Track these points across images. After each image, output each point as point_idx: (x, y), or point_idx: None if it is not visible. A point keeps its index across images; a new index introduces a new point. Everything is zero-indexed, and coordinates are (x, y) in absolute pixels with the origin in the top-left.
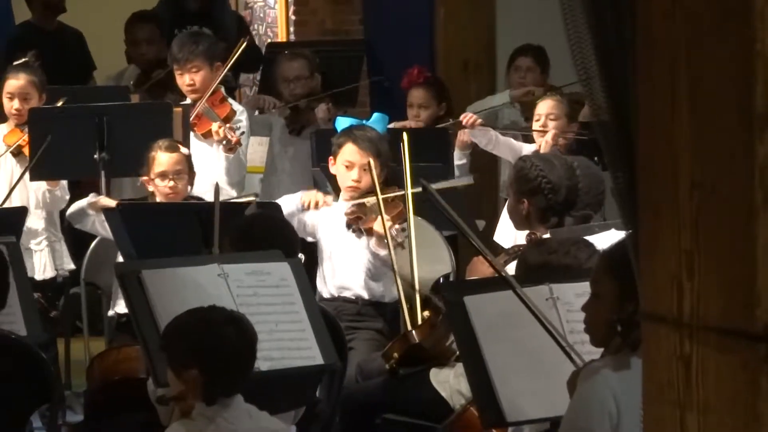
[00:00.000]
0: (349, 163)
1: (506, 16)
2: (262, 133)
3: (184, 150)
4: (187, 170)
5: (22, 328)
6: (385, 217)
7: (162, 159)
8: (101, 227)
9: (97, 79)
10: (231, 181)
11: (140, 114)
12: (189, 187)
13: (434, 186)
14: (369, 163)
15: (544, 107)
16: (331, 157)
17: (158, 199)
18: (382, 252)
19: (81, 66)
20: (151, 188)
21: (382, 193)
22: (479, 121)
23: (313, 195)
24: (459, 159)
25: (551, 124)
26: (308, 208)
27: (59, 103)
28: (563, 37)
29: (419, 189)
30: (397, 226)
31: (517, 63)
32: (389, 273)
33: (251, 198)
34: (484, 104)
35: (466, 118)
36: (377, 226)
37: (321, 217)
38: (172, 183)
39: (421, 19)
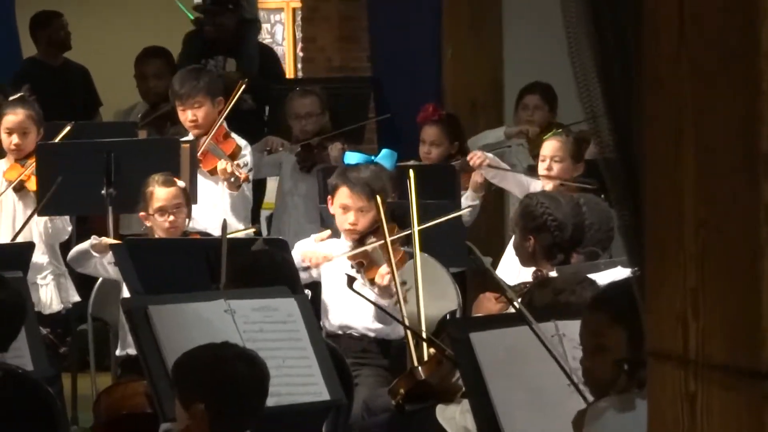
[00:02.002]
0: (344, 206)
1: (513, 54)
2: (272, 173)
3: (180, 183)
4: (185, 203)
5: (28, 362)
6: (386, 270)
7: (160, 194)
8: (102, 269)
9: (108, 114)
10: (238, 217)
11: (148, 150)
12: (187, 220)
13: (437, 220)
14: (378, 205)
15: (549, 149)
16: (329, 197)
17: (158, 235)
18: (385, 302)
19: (86, 102)
20: (149, 224)
21: (388, 231)
22: (487, 162)
23: (314, 255)
24: (472, 200)
25: (556, 167)
26: (309, 266)
27: (66, 129)
28: (571, 74)
29: (426, 225)
30: (398, 279)
31: (524, 101)
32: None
33: (251, 230)
34: (481, 140)
35: (474, 158)
36: (378, 279)
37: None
38: (172, 218)
39: (428, 56)
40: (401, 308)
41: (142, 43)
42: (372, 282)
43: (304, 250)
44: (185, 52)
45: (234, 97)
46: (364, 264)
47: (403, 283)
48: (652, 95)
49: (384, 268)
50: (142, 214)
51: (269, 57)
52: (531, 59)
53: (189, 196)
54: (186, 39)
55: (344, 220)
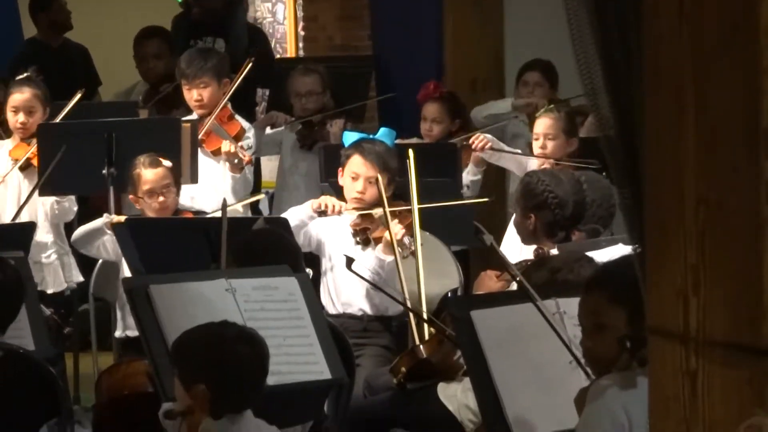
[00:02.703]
0: (355, 174)
1: (515, 31)
2: (272, 151)
3: (166, 163)
4: (173, 183)
5: (30, 342)
6: (398, 226)
7: (147, 176)
8: (104, 250)
9: (107, 95)
10: (237, 199)
11: (148, 129)
12: (176, 198)
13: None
14: (377, 178)
15: (541, 126)
16: (340, 169)
17: (149, 215)
18: (389, 258)
19: (86, 82)
20: (139, 206)
21: (390, 207)
22: (489, 144)
23: (329, 199)
24: (474, 175)
25: (549, 145)
26: (323, 211)
27: (71, 104)
28: (572, 51)
29: (425, 206)
30: (408, 237)
31: (525, 78)
32: (395, 286)
33: (260, 196)
34: (487, 109)
35: (477, 140)
36: (387, 235)
37: (326, 230)
38: (161, 198)
39: (429, 34)
40: (417, 265)
41: (140, 24)
42: (378, 240)
43: (322, 197)
44: (174, 34)
45: (241, 74)
46: (370, 228)
47: (412, 239)
48: (652, 72)
49: (397, 226)
50: (131, 197)
51: (258, 37)
52: (532, 36)
53: (177, 175)
54: (174, 21)
55: (352, 188)
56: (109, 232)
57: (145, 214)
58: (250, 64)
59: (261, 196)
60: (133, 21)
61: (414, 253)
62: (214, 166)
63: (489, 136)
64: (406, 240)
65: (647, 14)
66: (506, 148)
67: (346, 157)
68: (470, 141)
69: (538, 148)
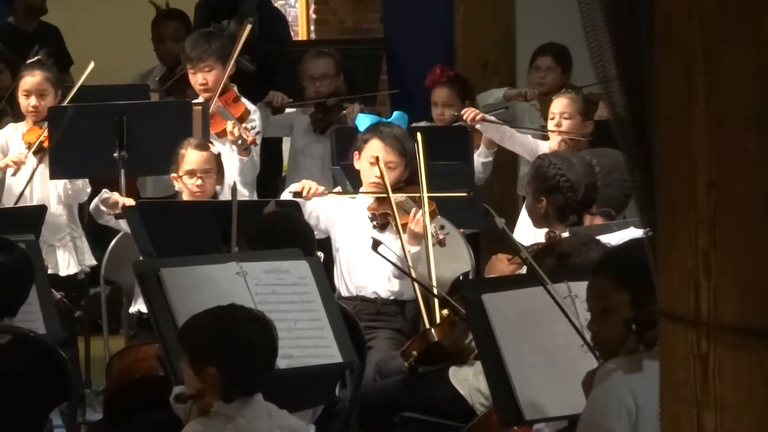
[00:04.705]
0: (374, 159)
1: (526, 14)
2: (280, 133)
3: (213, 149)
4: (216, 169)
5: (41, 326)
6: (426, 214)
7: (191, 157)
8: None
9: (127, 77)
10: (244, 182)
11: (160, 112)
12: (219, 187)
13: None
14: (389, 162)
15: (558, 105)
16: (356, 152)
17: (185, 197)
18: (415, 248)
19: (58, 62)
20: (178, 185)
21: (408, 192)
22: (480, 116)
23: (307, 182)
24: (485, 156)
25: (565, 123)
26: (299, 194)
27: (77, 85)
28: (583, 32)
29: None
30: (435, 224)
31: (537, 63)
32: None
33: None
34: (486, 98)
35: (468, 113)
36: (415, 225)
37: (337, 212)
38: (200, 182)
39: (440, 18)
40: (428, 247)
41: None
42: (404, 228)
43: (303, 180)
44: (196, 18)
45: (240, 41)
46: (389, 214)
47: (441, 227)
48: (663, 54)
49: (421, 214)
50: (172, 175)
51: (274, 20)
52: (544, 19)
53: (221, 163)
54: (197, 6)
55: (371, 173)
56: (104, 209)
57: (181, 196)
58: (248, 29)
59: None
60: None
61: (441, 242)
62: (221, 149)
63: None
64: (434, 229)
65: None
66: (496, 120)
67: (364, 141)
68: (462, 114)
69: (554, 125)
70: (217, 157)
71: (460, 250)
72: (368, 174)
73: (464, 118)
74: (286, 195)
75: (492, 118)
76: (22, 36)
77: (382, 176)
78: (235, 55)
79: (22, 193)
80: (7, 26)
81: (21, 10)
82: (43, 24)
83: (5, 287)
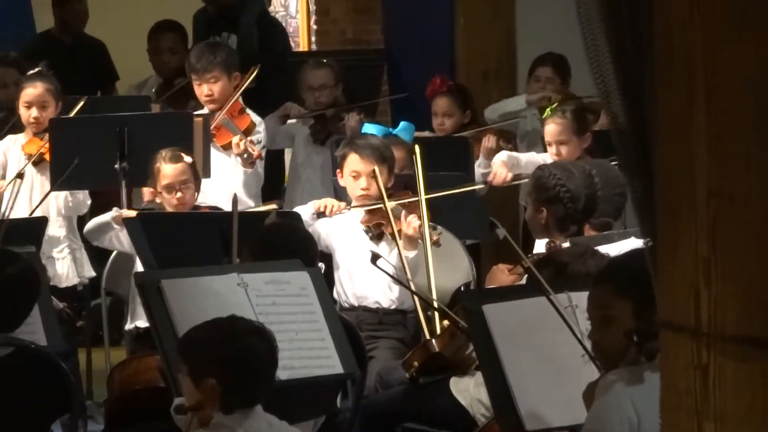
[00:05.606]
0: (355, 173)
1: (527, 23)
2: (284, 144)
3: (187, 158)
4: (193, 179)
5: (42, 338)
6: (415, 217)
7: (167, 171)
8: (117, 242)
9: (121, 89)
10: (248, 193)
11: (161, 124)
12: (196, 194)
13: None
14: (374, 170)
15: (550, 134)
16: (338, 170)
17: (168, 210)
18: (412, 253)
19: (102, 77)
20: (158, 200)
21: (398, 198)
22: (509, 177)
23: (329, 201)
24: (485, 167)
25: (563, 150)
26: (323, 213)
27: (80, 104)
28: (582, 42)
29: (432, 195)
30: (428, 224)
31: (537, 73)
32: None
33: (272, 207)
34: (501, 108)
35: (497, 177)
36: (407, 228)
37: (334, 227)
38: (180, 194)
39: (441, 28)
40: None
41: (153, 17)
42: (398, 234)
43: (317, 201)
44: (194, 30)
45: (246, 82)
46: (384, 223)
47: (434, 228)
48: (664, 62)
49: (412, 217)
50: (151, 190)
51: (273, 32)
52: (545, 29)
53: (197, 171)
54: (195, 17)
55: (356, 187)
56: (116, 226)
57: (163, 208)
58: (255, 72)
59: (274, 207)
60: (148, 15)
61: (436, 243)
62: (226, 161)
63: (504, 156)
64: (427, 230)
65: (659, 2)
66: (521, 159)
67: (342, 157)
68: (489, 179)
69: (554, 155)
70: (193, 165)
71: (461, 260)
72: (354, 188)
73: (493, 183)
74: (307, 215)
75: (520, 158)
76: (60, 45)
77: (378, 188)
78: (240, 91)
79: (33, 212)
80: (44, 35)
81: (58, 21)
82: (84, 37)
83: (12, 299)
